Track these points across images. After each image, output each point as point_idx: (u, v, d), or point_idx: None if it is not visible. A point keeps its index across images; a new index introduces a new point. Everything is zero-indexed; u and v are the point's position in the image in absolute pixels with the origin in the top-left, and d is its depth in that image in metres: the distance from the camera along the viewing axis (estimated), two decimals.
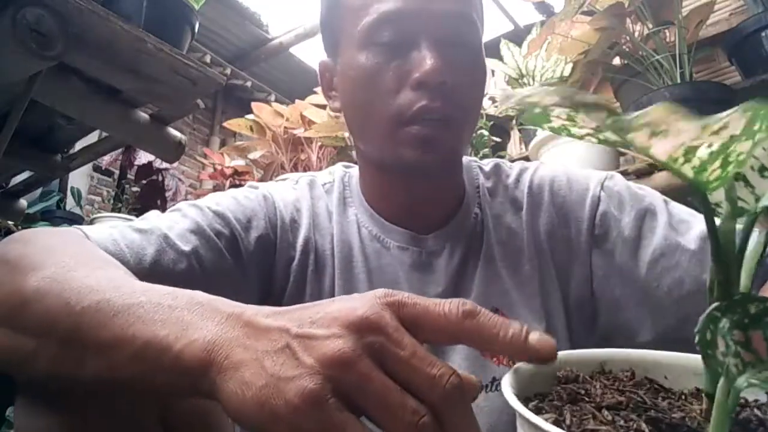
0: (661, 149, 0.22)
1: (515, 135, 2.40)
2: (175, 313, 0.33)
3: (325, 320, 0.30)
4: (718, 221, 0.25)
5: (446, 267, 0.65)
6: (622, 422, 0.26)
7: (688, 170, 0.22)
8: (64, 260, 0.41)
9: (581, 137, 0.23)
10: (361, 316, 0.29)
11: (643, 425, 0.25)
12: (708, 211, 0.24)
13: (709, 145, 0.21)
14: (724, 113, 0.20)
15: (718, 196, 0.25)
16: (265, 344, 0.30)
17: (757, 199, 0.24)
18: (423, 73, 0.57)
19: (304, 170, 2.11)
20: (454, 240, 0.66)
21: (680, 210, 0.63)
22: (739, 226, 0.25)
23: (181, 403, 0.45)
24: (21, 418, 0.40)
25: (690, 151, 0.21)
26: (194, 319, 0.33)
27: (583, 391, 0.29)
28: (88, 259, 0.43)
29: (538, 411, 0.27)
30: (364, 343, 0.29)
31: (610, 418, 0.26)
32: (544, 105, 0.23)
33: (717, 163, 0.21)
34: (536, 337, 0.30)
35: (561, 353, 0.33)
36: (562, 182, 0.68)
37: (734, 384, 0.21)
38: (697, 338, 0.21)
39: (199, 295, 0.35)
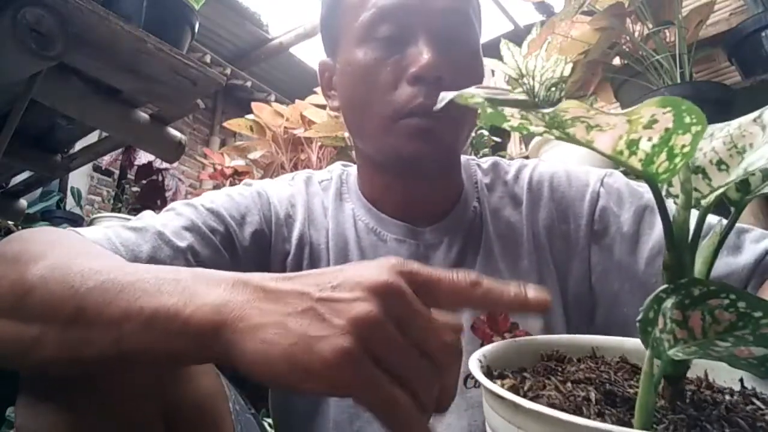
0: (603, 143, 0.23)
1: (515, 135, 2.40)
2: (180, 284, 0.34)
3: (347, 284, 0.31)
4: (674, 210, 0.26)
5: (444, 260, 0.65)
6: (577, 392, 0.27)
7: (635, 162, 0.24)
8: (63, 251, 0.41)
9: (541, 134, 0.25)
10: (384, 281, 0.31)
11: (593, 394, 0.26)
12: (660, 200, 0.25)
13: (649, 139, 0.23)
14: (635, 108, 0.21)
15: (677, 187, 0.27)
16: (284, 307, 0.31)
17: (712, 191, 0.26)
18: (420, 67, 0.58)
19: (304, 170, 2.11)
20: (452, 233, 0.67)
21: None
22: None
23: (182, 399, 0.45)
24: (22, 417, 0.40)
25: (632, 144, 0.23)
26: (200, 287, 0.33)
27: (560, 369, 0.31)
28: (87, 250, 0.44)
29: (501, 378, 0.29)
30: (387, 307, 0.30)
31: (569, 388, 0.27)
32: (474, 102, 0.24)
33: (663, 156, 0.23)
34: (532, 290, 0.33)
35: (554, 336, 0.35)
36: (562, 178, 0.68)
37: (662, 357, 0.23)
38: (640, 316, 0.23)
39: (200, 269, 0.36)
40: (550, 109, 0.22)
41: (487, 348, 0.33)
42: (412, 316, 0.31)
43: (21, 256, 0.41)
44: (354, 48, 0.62)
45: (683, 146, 0.22)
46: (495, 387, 0.25)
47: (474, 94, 0.24)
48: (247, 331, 0.30)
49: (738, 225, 0.59)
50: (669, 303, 0.23)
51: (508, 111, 0.24)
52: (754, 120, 0.27)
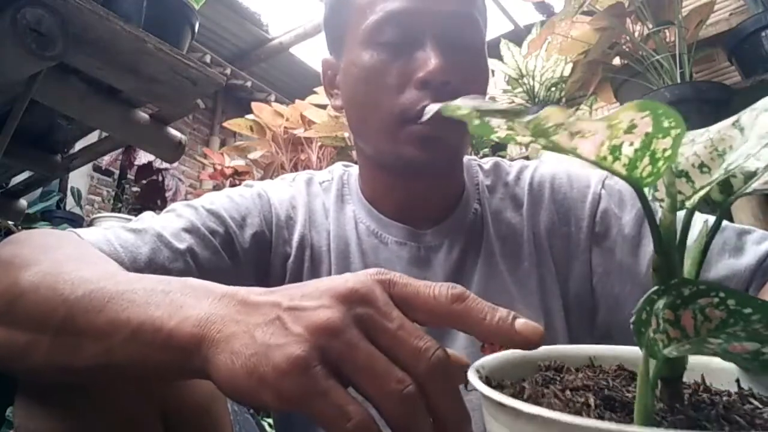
0: (586, 149, 0.23)
1: None
2: (169, 296, 0.34)
3: (315, 293, 0.31)
4: (660, 215, 0.27)
5: (444, 262, 0.65)
6: (576, 399, 0.27)
7: (620, 168, 0.24)
8: (56, 257, 0.41)
9: (527, 145, 0.25)
10: (351, 288, 0.30)
11: (592, 400, 0.26)
12: (646, 204, 0.26)
13: (631, 144, 0.23)
14: (617, 110, 0.22)
15: (662, 191, 0.27)
16: (256, 318, 0.31)
17: (695, 192, 0.26)
18: (427, 72, 0.58)
19: (304, 170, 2.11)
20: (453, 235, 0.66)
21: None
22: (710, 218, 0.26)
23: (181, 399, 0.45)
24: (21, 418, 0.40)
25: (615, 150, 0.23)
26: (188, 300, 0.33)
27: (558, 378, 0.30)
28: (81, 255, 0.44)
29: (500, 388, 0.29)
30: (353, 314, 0.30)
31: (568, 396, 0.27)
32: (460, 114, 0.24)
33: (646, 161, 0.23)
34: (522, 322, 0.30)
35: (552, 347, 0.34)
36: (563, 180, 0.68)
37: (657, 357, 0.23)
38: (633, 318, 0.24)
39: (192, 280, 0.36)
40: (532, 116, 0.22)
41: (485, 359, 0.32)
42: (381, 322, 0.30)
43: (14, 260, 0.41)
44: (360, 50, 0.62)
45: (665, 150, 0.23)
46: (495, 394, 0.25)
47: (460, 106, 0.24)
48: (221, 343, 0.30)
49: (739, 227, 0.59)
50: (660, 304, 0.23)
51: (494, 122, 0.24)
52: (733, 124, 0.27)
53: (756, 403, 0.26)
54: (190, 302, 0.33)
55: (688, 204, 0.27)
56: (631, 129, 0.22)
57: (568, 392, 0.28)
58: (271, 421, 0.71)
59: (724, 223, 0.56)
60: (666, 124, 0.22)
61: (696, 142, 0.28)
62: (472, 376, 0.28)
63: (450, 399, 0.30)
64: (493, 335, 0.31)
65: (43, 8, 0.98)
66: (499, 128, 0.24)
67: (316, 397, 0.28)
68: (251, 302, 0.32)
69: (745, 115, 0.27)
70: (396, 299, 0.31)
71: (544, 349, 0.33)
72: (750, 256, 0.55)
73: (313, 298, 0.30)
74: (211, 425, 0.49)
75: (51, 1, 1.00)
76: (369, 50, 0.61)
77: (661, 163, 0.23)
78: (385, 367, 0.29)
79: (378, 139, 0.63)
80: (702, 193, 0.26)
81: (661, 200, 0.27)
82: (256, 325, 0.30)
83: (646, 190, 0.26)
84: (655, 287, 0.23)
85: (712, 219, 0.29)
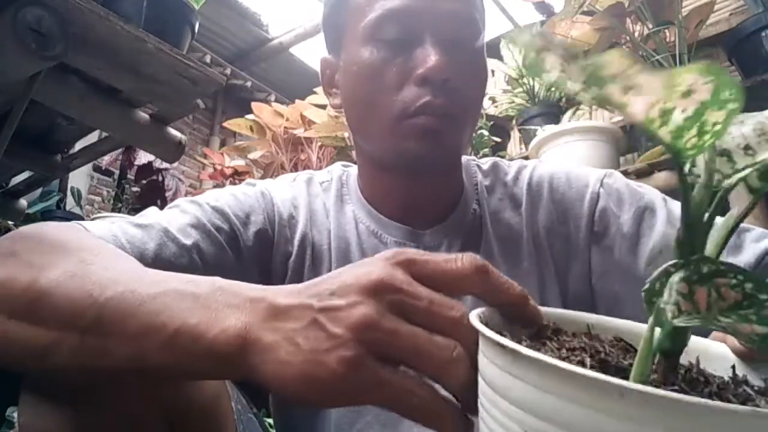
0: (637, 108, 0.22)
1: (515, 135, 2.40)
2: (200, 300, 0.34)
3: (342, 289, 0.31)
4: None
5: None
6: (573, 358, 0.27)
7: (665, 134, 0.23)
8: (80, 254, 0.41)
9: (576, 93, 0.23)
10: (375, 279, 0.31)
11: (588, 361, 0.27)
12: (682, 176, 0.25)
13: (684, 110, 0.22)
14: (681, 69, 0.20)
15: (699, 167, 0.26)
16: (292, 323, 0.31)
17: (736, 172, 0.25)
18: (427, 69, 0.58)
19: (304, 170, 2.11)
20: (451, 236, 0.67)
21: (679, 208, 0.63)
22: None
23: (186, 399, 0.45)
24: (26, 415, 0.40)
25: (666, 114, 0.22)
26: (220, 306, 0.34)
27: (555, 338, 0.31)
28: (101, 252, 0.43)
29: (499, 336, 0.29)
30: (385, 303, 0.31)
31: (565, 354, 0.28)
32: (521, 42, 0.23)
33: (693, 131, 0.22)
34: (533, 304, 0.33)
35: (551, 309, 0.35)
36: (561, 179, 0.68)
37: (664, 325, 0.23)
38: (646, 286, 0.24)
39: (219, 280, 0.36)
40: (590, 61, 0.21)
41: (486, 309, 0.33)
42: (412, 303, 0.31)
43: (35, 257, 0.41)
44: (359, 47, 0.62)
45: (715, 123, 0.22)
46: (494, 335, 0.26)
47: (523, 33, 0.23)
48: (265, 353, 0.31)
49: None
50: (677, 277, 0.23)
51: (550, 61, 0.23)
52: None
53: (748, 389, 0.26)
54: (223, 309, 0.33)
55: (725, 184, 0.26)
56: (687, 94, 0.21)
57: (564, 351, 0.28)
58: (271, 421, 0.71)
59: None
60: (725, 95, 0.21)
61: (745, 123, 0.27)
62: (474, 319, 0.29)
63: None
64: (511, 304, 0.33)
65: (44, 8, 0.98)
66: (552, 68, 0.23)
67: (379, 388, 0.30)
68: (282, 306, 0.32)
69: None
70: (417, 276, 0.32)
71: (542, 310, 0.34)
72: (749, 253, 0.55)
73: (342, 296, 0.31)
74: (214, 424, 0.49)
75: (51, 1, 1.00)
76: (368, 47, 0.62)
77: (707, 136, 0.22)
78: (428, 340, 0.30)
79: (378, 136, 0.63)
80: (742, 174, 0.25)
81: (697, 176, 0.26)
82: (294, 331, 0.31)
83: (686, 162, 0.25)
84: (674, 261, 0.23)
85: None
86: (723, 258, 0.55)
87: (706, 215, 0.26)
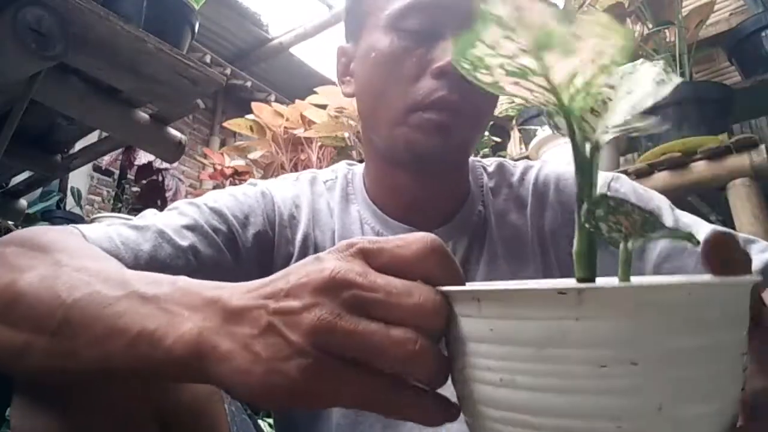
0: (560, 77, 0.27)
1: (515, 135, 2.40)
2: (161, 303, 0.34)
3: (296, 289, 0.30)
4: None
5: None
6: None
7: (566, 98, 0.27)
8: (56, 257, 0.41)
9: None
10: (328, 276, 0.30)
11: None
12: (572, 132, 0.29)
13: (586, 75, 0.26)
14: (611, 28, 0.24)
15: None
16: (247, 328, 0.31)
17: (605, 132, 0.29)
18: (447, 62, 0.58)
19: (305, 170, 2.11)
20: (456, 237, 0.66)
21: (685, 215, 0.63)
22: None
23: (177, 400, 0.45)
24: (17, 417, 0.40)
25: (584, 85, 0.26)
26: (178, 308, 0.33)
27: None
28: (80, 254, 0.43)
29: None
30: (340, 302, 0.29)
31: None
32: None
33: (583, 94, 0.27)
34: None
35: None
36: (568, 181, 0.68)
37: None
38: (585, 223, 0.29)
39: (181, 279, 0.36)
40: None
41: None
42: (368, 296, 0.29)
43: (13, 259, 0.41)
44: (381, 35, 0.62)
45: (599, 85, 0.26)
46: (460, 287, 0.28)
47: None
48: (223, 362, 0.30)
49: (743, 236, 0.59)
50: (600, 212, 0.28)
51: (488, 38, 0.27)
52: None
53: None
54: (181, 312, 0.33)
55: (594, 139, 0.29)
56: (597, 57, 0.25)
57: None
58: (271, 421, 0.71)
59: (728, 231, 0.57)
60: (618, 57, 0.25)
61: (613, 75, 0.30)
62: (446, 288, 0.30)
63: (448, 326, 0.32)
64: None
65: (44, 8, 0.98)
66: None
67: (343, 390, 0.29)
68: (236, 309, 0.32)
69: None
70: (374, 266, 0.31)
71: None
72: (754, 264, 0.55)
73: (296, 296, 0.30)
74: (207, 426, 0.49)
75: (51, 1, 1.00)
76: (390, 36, 0.62)
77: (590, 98, 0.27)
78: (386, 336, 0.29)
79: (387, 126, 0.63)
80: (610, 136, 0.29)
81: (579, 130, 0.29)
82: (252, 337, 0.30)
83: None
84: (586, 201, 0.29)
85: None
86: None
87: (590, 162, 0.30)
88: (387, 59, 0.61)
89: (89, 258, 0.43)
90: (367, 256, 0.31)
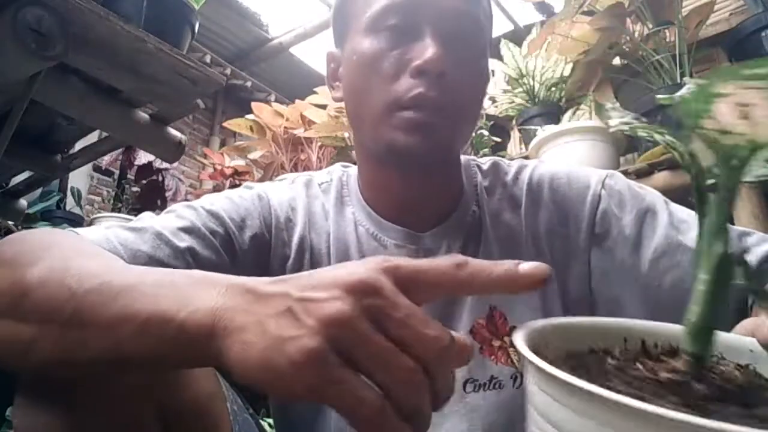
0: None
1: (515, 135, 2.40)
2: (176, 287, 0.34)
3: (324, 284, 0.31)
4: None
5: None
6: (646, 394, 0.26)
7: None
8: (62, 252, 0.41)
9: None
10: (359, 279, 0.30)
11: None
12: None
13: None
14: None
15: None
16: (267, 308, 0.31)
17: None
18: (423, 61, 0.58)
19: (304, 170, 2.11)
20: (451, 237, 0.66)
21: (680, 210, 0.63)
22: None
23: (179, 400, 0.45)
24: (19, 417, 0.41)
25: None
26: (195, 291, 0.34)
27: (612, 362, 0.29)
28: (85, 251, 0.44)
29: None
30: (363, 305, 0.30)
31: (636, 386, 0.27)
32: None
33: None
34: (525, 266, 0.32)
35: (574, 320, 0.34)
36: (562, 180, 0.68)
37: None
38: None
39: (197, 272, 0.36)
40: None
41: (529, 328, 0.31)
42: (391, 312, 0.30)
43: (19, 257, 0.41)
44: (361, 38, 0.63)
45: None
46: (565, 375, 0.24)
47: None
48: (233, 334, 0.31)
49: (740, 229, 0.60)
50: None
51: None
52: None
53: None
54: (198, 293, 0.33)
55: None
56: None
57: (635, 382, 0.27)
58: (271, 421, 0.71)
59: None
60: None
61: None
62: (522, 345, 0.27)
63: (450, 380, 0.32)
64: (504, 286, 0.32)
65: (44, 8, 0.98)
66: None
67: (331, 386, 0.29)
68: (260, 292, 0.32)
69: None
70: (402, 282, 0.32)
71: (563, 320, 0.33)
72: (752, 257, 0.55)
73: (322, 289, 0.30)
74: (210, 425, 0.49)
75: (51, 1, 1.00)
76: (369, 37, 0.62)
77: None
78: (396, 357, 0.29)
79: (370, 125, 0.63)
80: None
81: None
82: (267, 315, 0.31)
83: None
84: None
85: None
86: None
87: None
88: (368, 60, 0.62)
89: (96, 254, 0.44)
90: (397, 270, 0.32)
